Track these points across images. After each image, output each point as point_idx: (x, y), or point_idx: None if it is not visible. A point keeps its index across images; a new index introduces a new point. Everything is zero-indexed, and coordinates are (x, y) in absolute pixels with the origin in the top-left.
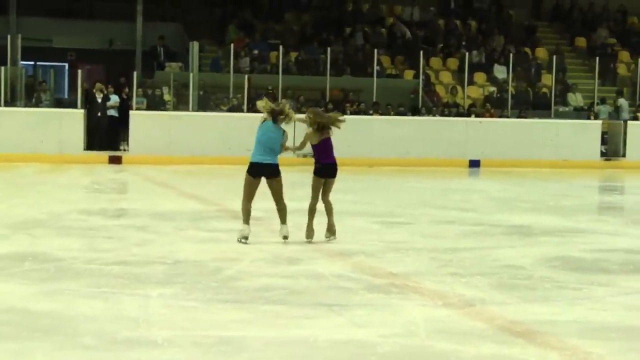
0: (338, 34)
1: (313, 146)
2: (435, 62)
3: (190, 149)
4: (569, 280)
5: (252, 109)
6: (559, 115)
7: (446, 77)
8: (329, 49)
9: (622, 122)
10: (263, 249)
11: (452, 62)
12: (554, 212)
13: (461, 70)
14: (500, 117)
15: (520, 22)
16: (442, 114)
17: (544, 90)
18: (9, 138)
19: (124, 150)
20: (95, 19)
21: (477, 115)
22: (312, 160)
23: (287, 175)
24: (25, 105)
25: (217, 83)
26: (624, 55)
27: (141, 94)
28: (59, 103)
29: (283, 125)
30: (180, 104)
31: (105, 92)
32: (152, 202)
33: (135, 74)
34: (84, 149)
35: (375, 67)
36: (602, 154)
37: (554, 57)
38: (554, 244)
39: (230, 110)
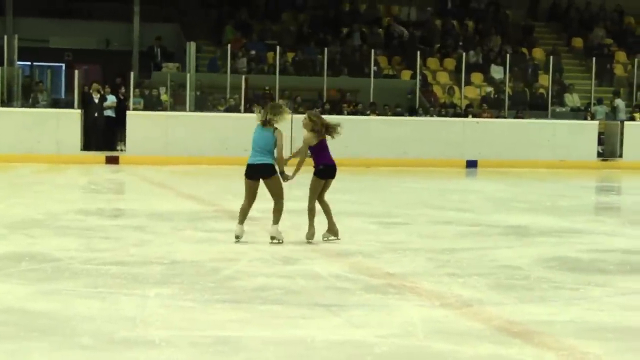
0: (335, 34)
1: (311, 148)
2: (433, 62)
3: (188, 149)
4: (566, 281)
5: (250, 109)
6: (556, 116)
7: (443, 77)
8: (326, 49)
9: (618, 122)
10: (260, 249)
11: (449, 63)
12: (551, 213)
13: (458, 70)
14: (497, 117)
15: (517, 22)
16: (439, 115)
17: (541, 90)
18: (6, 138)
19: (121, 150)
20: (92, 19)
21: (474, 116)
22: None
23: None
24: (22, 106)
25: (214, 83)
26: (621, 55)
27: (138, 94)
28: (55, 103)
29: (281, 126)
30: (177, 104)
31: (102, 92)
32: (150, 203)
33: (132, 74)
34: (81, 149)
35: (373, 68)
36: (599, 155)
37: (551, 57)
38: (551, 245)
39: (227, 110)
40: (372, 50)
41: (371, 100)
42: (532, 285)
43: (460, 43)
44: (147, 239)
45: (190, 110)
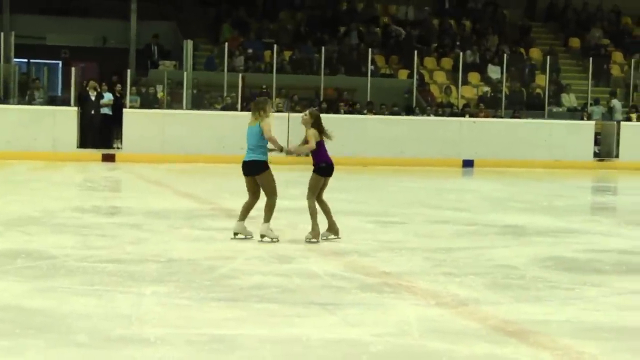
0: (332, 33)
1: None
2: (430, 61)
3: (184, 147)
4: (562, 281)
5: (246, 107)
6: (553, 116)
7: (440, 76)
8: (323, 48)
9: (615, 122)
10: (257, 247)
11: (446, 62)
12: (548, 213)
13: (455, 70)
14: (494, 117)
15: (514, 22)
16: (436, 114)
17: (538, 90)
18: (2, 135)
19: (118, 148)
20: (89, 16)
21: (471, 115)
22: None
23: (281, 174)
24: (19, 103)
25: (211, 82)
26: (618, 56)
27: (135, 92)
28: (52, 101)
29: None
30: (174, 102)
31: (99, 90)
32: (146, 201)
33: (129, 72)
34: (78, 147)
35: (370, 67)
36: (595, 155)
37: (548, 57)
38: (547, 244)
39: (224, 109)
40: (370, 49)
41: (368, 100)
42: (528, 285)
43: (458, 43)
44: (144, 236)
45: (187, 109)
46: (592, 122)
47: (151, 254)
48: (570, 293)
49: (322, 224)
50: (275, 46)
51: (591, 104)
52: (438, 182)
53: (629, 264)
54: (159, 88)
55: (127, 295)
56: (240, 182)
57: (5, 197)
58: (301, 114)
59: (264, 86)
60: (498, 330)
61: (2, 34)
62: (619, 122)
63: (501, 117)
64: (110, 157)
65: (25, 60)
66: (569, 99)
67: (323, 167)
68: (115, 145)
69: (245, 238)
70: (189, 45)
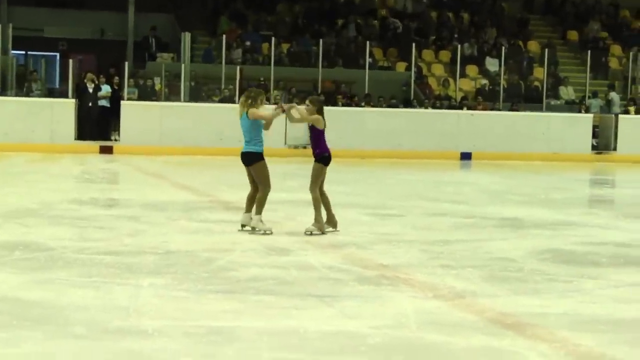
0: (330, 25)
1: (318, 132)
2: (428, 54)
3: (182, 139)
4: (560, 273)
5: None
6: (551, 109)
7: (438, 69)
8: (321, 40)
9: (613, 115)
10: (254, 239)
11: (444, 55)
12: (545, 205)
13: (453, 62)
14: (492, 110)
15: (512, 15)
16: (434, 107)
17: (536, 83)
18: (0, 128)
19: (115, 140)
20: (87, 8)
21: (469, 108)
22: (304, 150)
23: (278, 166)
24: (16, 95)
25: (209, 74)
26: (616, 49)
27: (132, 84)
28: (50, 93)
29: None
30: (172, 94)
31: (97, 82)
32: (144, 193)
33: (126, 64)
34: (75, 139)
35: (368, 59)
36: (593, 148)
37: (546, 50)
38: (545, 237)
39: (222, 101)
40: (367, 42)
41: (366, 92)
42: (526, 278)
43: (456, 35)
44: (141, 229)
45: (184, 101)
46: (590, 115)
47: (149, 246)
48: (568, 285)
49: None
50: (273, 38)
51: (589, 97)
52: (436, 175)
53: (627, 256)
54: (157, 80)
55: (125, 287)
56: (237, 174)
57: (3, 189)
58: (302, 106)
59: (262, 78)
60: (495, 322)
61: None
62: (617, 115)
63: (499, 110)
64: (108, 149)
65: (23, 52)
66: (567, 92)
67: (326, 156)
68: (112, 138)
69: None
70: (186, 37)
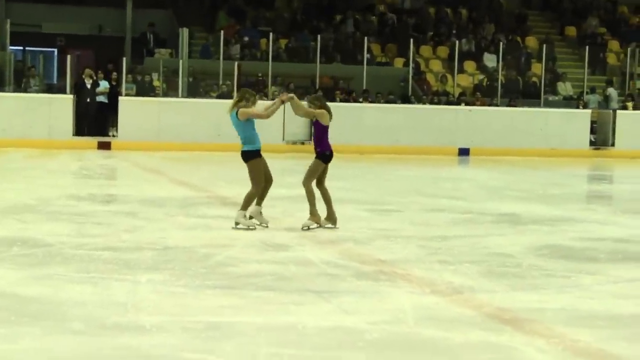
0: (328, 21)
1: (322, 129)
2: (426, 50)
3: (180, 135)
4: (558, 269)
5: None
6: (549, 104)
7: (436, 65)
8: (319, 36)
9: (611, 111)
10: (252, 235)
11: (442, 50)
12: (543, 201)
13: (451, 58)
14: (490, 105)
15: (510, 11)
16: (432, 102)
17: (534, 79)
18: None
19: (113, 136)
20: (85, 4)
21: (467, 104)
22: (302, 146)
23: (276, 162)
24: (15, 91)
25: (207, 70)
26: (614, 44)
27: (130, 80)
28: (48, 89)
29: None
30: (170, 90)
31: (95, 78)
32: (142, 188)
33: (124, 60)
34: (73, 135)
35: (366, 55)
36: (591, 143)
37: (544, 46)
38: (543, 233)
39: (220, 97)
40: (365, 38)
41: (364, 88)
42: (524, 273)
43: (454, 31)
44: (139, 224)
45: (182, 97)
46: (588, 111)
47: (147, 242)
48: (566, 281)
49: (321, 212)
50: (271, 34)
51: (587, 93)
52: (434, 171)
53: (625, 252)
54: (155, 76)
55: (123, 283)
56: (235, 170)
57: (1, 184)
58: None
59: (260, 74)
60: (493, 318)
61: None
62: (615, 111)
63: (497, 106)
64: (106, 145)
65: (21, 48)
66: (565, 88)
67: (327, 154)
68: (111, 133)
69: (260, 225)
70: (184, 33)
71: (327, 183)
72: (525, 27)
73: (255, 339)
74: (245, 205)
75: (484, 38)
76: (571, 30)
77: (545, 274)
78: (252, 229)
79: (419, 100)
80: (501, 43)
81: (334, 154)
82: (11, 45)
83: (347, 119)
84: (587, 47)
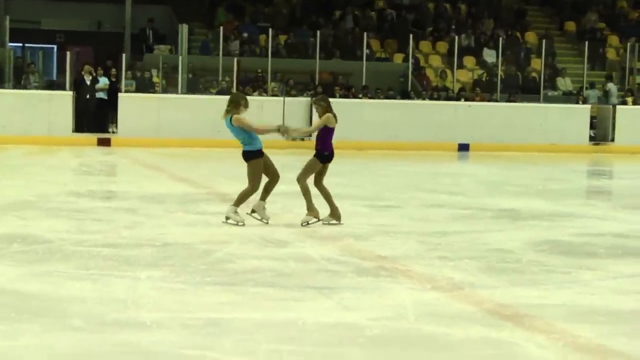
0: (328, 17)
1: (327, 130)
2: (425, 45)
3: (180, 131)
4: (558, 264)
5: (241, 92)
6: (548, 100)
7: (436, 60)
8: (318, 32)
9: (610, 106)
10: (252, 231)
11: (442, 46)
12: (543, 196)
13: (451, 54)
14: (489, 101)
15: (510, 6)
16: (432, 98)
17: (533, 74)
18: None
19: (113, 132)
20: (84, 0)
21: (466, 99)
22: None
23: (276, 158)
24: (14, 87)
25: (206, 66)
26: (613, 39)
27: (130, 76)
28: (48, 85)
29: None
30: (169, 86)
31: (94, 74)
32: (141, 185)
33: (124, 56)
34: (73, 131)
35: (365, 51)
36: (591, 139)
37: (544, 41)
38: (542, 228)
39: (219, 93)
40: (365, 33)
41: (364, 84)
42: (524, 269)
43: (453, 26)
44: (139, 221)
45: (182, 93)
46: (588, 106)
47: (146, 238)
48: (566, 277)
49: (324, 209)
50: (270, 30)
51: (587, 88)
52: (433, 166)
53: (625, 247)
54: (154, 72)
55: (123, 280)
56: (235, 167)
57: (1, 181)
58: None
59: (259, 70)
60: (493, 314)
61: None
62: (614, 106)
63: (497, 101)
64: (106, 141)
65: (20, 44)
66: (565, 83)
67: (326, 155)
68: (110, 130)
69: (261, 220)
70: (184, 29)
71: (327, 178)
72: (524, 22)
73: (255, 335)
74: (238, 202)
75: (483, 33)
76: (570, 26)
77: (545, 270)
78: (240, 225)
79: (419, 96)
80: (500, 38)
81: (335, 151)
82: (10, 41)
83: (346, 115)
84: (586, 42)
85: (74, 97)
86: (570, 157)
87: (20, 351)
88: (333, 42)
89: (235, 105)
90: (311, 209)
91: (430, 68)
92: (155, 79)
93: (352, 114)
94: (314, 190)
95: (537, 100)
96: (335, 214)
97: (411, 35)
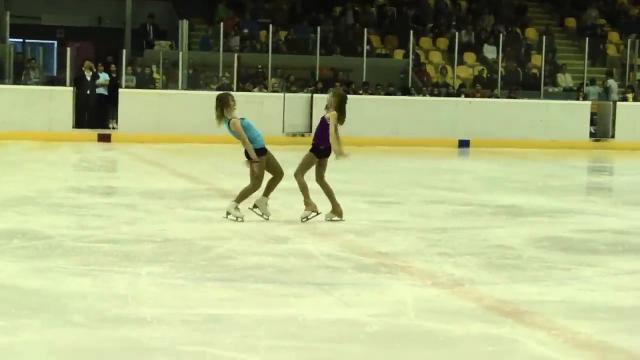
0: (328, 13)
1: (325, 125)
2: (425, 41)
3: (180, 127)
4: (558, 261)
5: (242, 88)
6: (549, 96)
7: (436, 56)
8: (318, 28)
9: (611, 103)
10: (252, 227)
11: (442, 42)
12: (543, 193)
13: (451, 50)
14: (489, 97)
15: (510, 2)
16: (432, 94)
17: (534, 70)
18: None
19: (113, 128)
20: None
21: (466, 95)
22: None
23: (276, 154)
24: (14, 83)
25: (207, 62)
26: (614, 36)
27: (130, 72)
28: (48, 81)
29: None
30: (170, 82)
31: (95, 70)
32: (142, 181)
33: (124, 52)
34: (73, 127)
35: (365, 47)
36: (591, 135)
37: (544, 37)
38: (542, 224)
39: (219, 89)
40: (365, 29)
41: (364, 80)
42: (524, 265)
43: (453, 22)
44: (139, 217)
45: (182, 89)
46: (588, 102)
47: (147, 234)
48: (566, 273)
49: (324, 205)
50: (270, 26)
51: (587, 84)
52: (433, 162)
53: (625, 244)
54: (155, 68)
55: (123, 275)
56: (235, 163)
57: (1, 177)
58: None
59: (260, 66)
60: (494, 310)
61: None
62: (615, 102)
63: (497, 97)
64: (106, 137)
65: (21, 40)
66: (565, 79)
67: (321, 149)
68: (110, 126)
69: (262, 216)
70: (184, 25)
71: (327, 174)
72: (524, 18)
73: (255, 332)
74: (239, 199)
75: (483, 29)
76: (571, 22)
77: (545, 266)
78: (240, 221)
79: (419, 92)
80: (501, 34)
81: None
82: (11, 37)
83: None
84: (587, 39)
85: (74, 92)
86: (570, 153)
87: (20, 347)
88: (333, 38)
89: (226, 106)
90: (309, 204)
91: (431, 64)
92: (155, 75)
93: (352, 110)
94: (314, 186)
95: (538, 97)
96: (336, 211)
97: (411, 32)
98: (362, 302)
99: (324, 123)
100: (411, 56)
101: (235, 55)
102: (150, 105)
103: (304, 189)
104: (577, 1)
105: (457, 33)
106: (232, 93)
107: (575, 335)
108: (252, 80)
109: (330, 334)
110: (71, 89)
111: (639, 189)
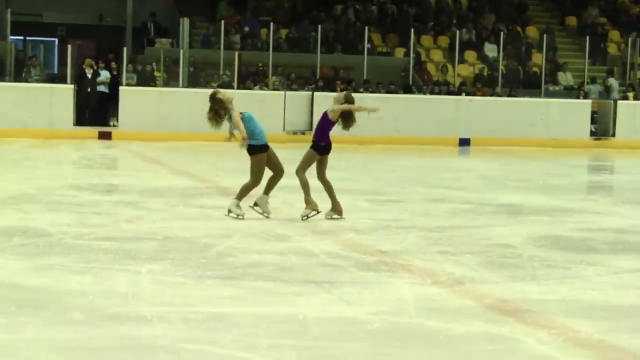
0: (329, 11)
1: (327, 121)
2: (426, 40)
3: (181, 125)
4: (558, 260)
5: (243, 86)
6: (549, 94)
7: (437, 55)
8: (319, 26)
9: (612, 101)
10: (253, 225)
11: (443, 40)
12: (544, 191)
13: (452, 48)
14: (490, 95)
15: (510, 0)
16: (433, 92)
17: (535, 69)
18: None
19: (114, 126)
20: None
21: (467, 94)
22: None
23: (276, 152)
24: (15, 80)
25: (208, 59)
26: (614, 34)
27: (131, 69)
28: (49, 78)
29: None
30: (171, 80)
31: (96, 67)
32: (142, 178)
33: (125, 49)
34: (74, 125)
35: (366, 45)
36: (592, 134)
37: (545, 35)
38: (543, 223)
39: (220, 86)
40: (366, 28)
41: (365, 78)
42: (524, 264)
43: (454, 21)
44: (140, 214)
45: (183, 86)
46: (589, 101)
47: (147, 232)
48: (567, 272)
49: (325, 203)
50: (271, 24)
51: (588, 83)
52: (434, 161)
53: (625, 243)
54: (156, 66)
55: (124, 273)
56: (236, 161)
57: (2, 175)
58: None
59: (260, 64)
60: (494, 309)
61: None
62: (615, 101)
63: (498, 96)
64: (107, 134)
65: (22, 37)
66: (566, 78)
67: (322, 145)
68: (111, 123)
69: (262, 214)
70: (185, 23)
71: (327, 172)
72: (525, 16)
73: (255, 330)
74: (240, 196)
75: (484, 28)
76: (571, 20)
77: (545, 265)
78: (240, 219)
79: (420, 90)
80: (502, 33)
81: (333, 144)
82: (12, 34)
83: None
84: (587, 37)
85: (75, 90)
86: (571, 152)
87: (20, 345)
88: (334, 36)
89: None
90: (309, 202)
91: (432, 62)
92: (156, 73)
93: None
94: (315, 184)
95: (538, 95)
96: (336, 209)
97: (412, 30)
98: (363, 301)
99: (325, 119)
100: (412, 54)
101: (236, 53)
102: (151, 103)
103: (305, 186)
104: (578, 0)
105: (457, 31)
106: (228, 90)
107: (576, 334)
108: (253, 78)
109: (330, 332)
110: (72, 86)
111: (639, 188)
